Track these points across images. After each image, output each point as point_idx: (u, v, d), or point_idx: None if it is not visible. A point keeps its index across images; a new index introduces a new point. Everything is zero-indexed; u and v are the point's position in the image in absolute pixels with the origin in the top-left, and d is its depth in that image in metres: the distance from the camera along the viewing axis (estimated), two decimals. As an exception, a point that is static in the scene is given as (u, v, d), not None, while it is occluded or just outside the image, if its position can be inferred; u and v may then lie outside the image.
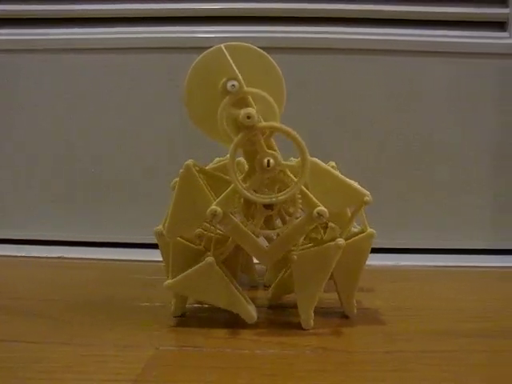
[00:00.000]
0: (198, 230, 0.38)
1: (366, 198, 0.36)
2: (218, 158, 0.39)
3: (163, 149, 0.63)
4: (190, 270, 0.36)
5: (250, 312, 0.36)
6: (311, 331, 0.36)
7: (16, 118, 0.64)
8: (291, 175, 0.34)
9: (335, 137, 0.62)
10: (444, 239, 0.62)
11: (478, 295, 0.47)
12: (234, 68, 0.33)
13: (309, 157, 0.33)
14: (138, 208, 0.63)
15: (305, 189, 0.34)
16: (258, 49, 0.35)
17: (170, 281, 0.36)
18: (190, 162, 0.35)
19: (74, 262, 0.58)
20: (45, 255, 0.60)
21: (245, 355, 0.31)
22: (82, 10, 0.63)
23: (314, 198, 0.34)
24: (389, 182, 0.62)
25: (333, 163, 0.38)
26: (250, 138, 0.33)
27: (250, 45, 0.35)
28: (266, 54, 0.35)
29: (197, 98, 0.35)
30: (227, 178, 0.34)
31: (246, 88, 0.33)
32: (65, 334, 0.35)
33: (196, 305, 0.40)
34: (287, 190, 0.33)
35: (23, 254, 0.60)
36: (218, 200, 0.34)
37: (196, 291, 0.37)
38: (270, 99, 0.33)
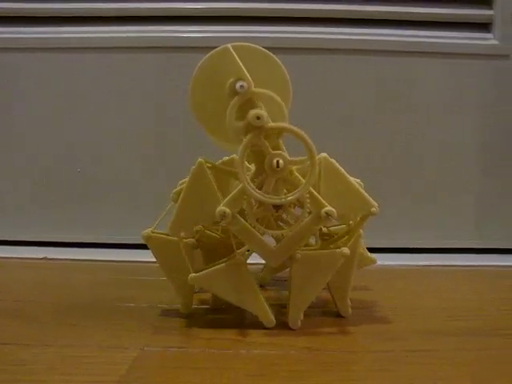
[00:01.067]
0: (198, 226, 0.38)
1: (373, 209, 0.36)
2: (225, 157, 0.39)
3: (163, 149, 0.62)
4: (217, 267, 0.35)
5: (270, 316, 0.36)
6: (300, 331, 0.35)
7: (15, 117, 0.62)
8: (299, 176, 0.34)
9: (332, 136, 0.62)
10: (440, 238, 0.63)
11: (471, 294, 0.47)
12: (243, 68, 0.32)
13: (317, 157, 0.33)
14: (137, 208, 0.63)
15: (312, 190, 0.34)
16: (264, 49, 0.35)
17: (193, 274, 0.35)
18: (201, 159, 0.35)
19: (66, 263, 0.57)
20: (37, 256, 0.58)
21: (229, 356, 0.31)
22: (83, 8, 0.62)
23: (321, 199, 0.34)
24: (386, 181, 0.63)
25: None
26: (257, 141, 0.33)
27: (255, 45, 0.35)
28: (271, 54, 0.35)
29: (202, 98, 0.35)
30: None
31: (254, 88, 0.32)
32: (49, 335, 0.34)
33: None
34: (296, 190, 0.33)
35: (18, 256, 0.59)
36: (226, 200, 0.34)
37: (217, 288, 0.36)
38: (279, 99, 0.33)
